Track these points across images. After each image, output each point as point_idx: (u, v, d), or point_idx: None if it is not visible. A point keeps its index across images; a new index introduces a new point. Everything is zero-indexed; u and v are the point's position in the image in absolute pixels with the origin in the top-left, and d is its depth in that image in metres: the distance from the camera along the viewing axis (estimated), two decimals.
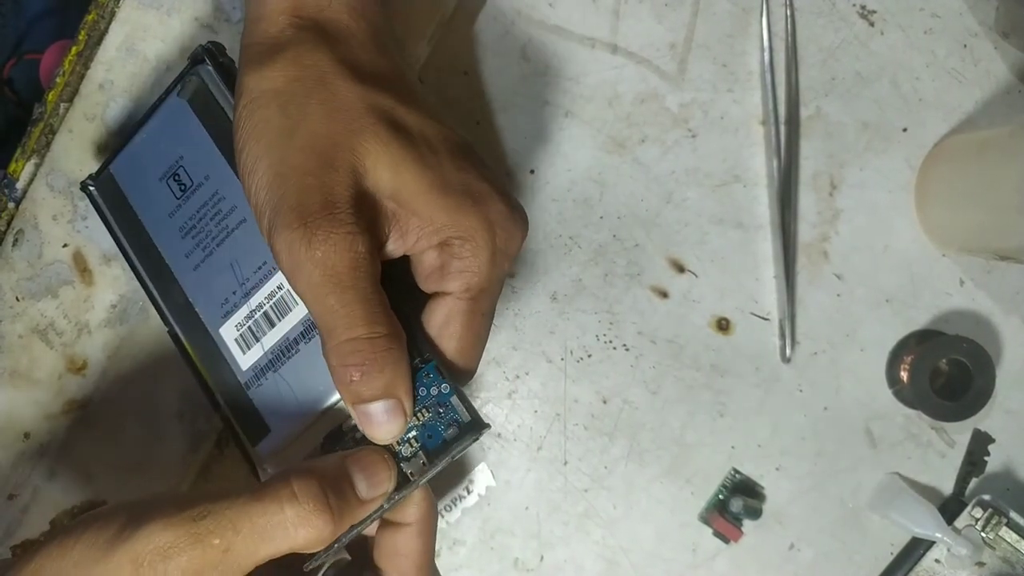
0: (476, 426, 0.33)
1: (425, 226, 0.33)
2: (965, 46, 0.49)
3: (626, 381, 0.48)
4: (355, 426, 0.34)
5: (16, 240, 0.45)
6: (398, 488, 0.33)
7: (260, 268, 0.36)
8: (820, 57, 0.48)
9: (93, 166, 0.45)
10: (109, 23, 0.45)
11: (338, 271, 0.31)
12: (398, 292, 0.34)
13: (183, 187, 0.38)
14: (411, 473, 0.33)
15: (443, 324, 0.34)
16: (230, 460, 0.47)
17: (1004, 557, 0.46)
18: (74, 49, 0.45)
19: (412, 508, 0.35)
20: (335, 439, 0.35)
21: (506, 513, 0.48)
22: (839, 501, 0.48)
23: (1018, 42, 0.48)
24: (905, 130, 0.48)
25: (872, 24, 0.48)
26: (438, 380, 0.33)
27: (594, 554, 0.47)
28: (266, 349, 0.36)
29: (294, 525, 0.30)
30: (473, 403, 0.34)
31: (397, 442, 0.33)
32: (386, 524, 0.36)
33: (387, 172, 0.32)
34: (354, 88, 0.33)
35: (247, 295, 0.36)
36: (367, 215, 0.32)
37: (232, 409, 0.37)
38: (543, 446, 0.48)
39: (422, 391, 0.33)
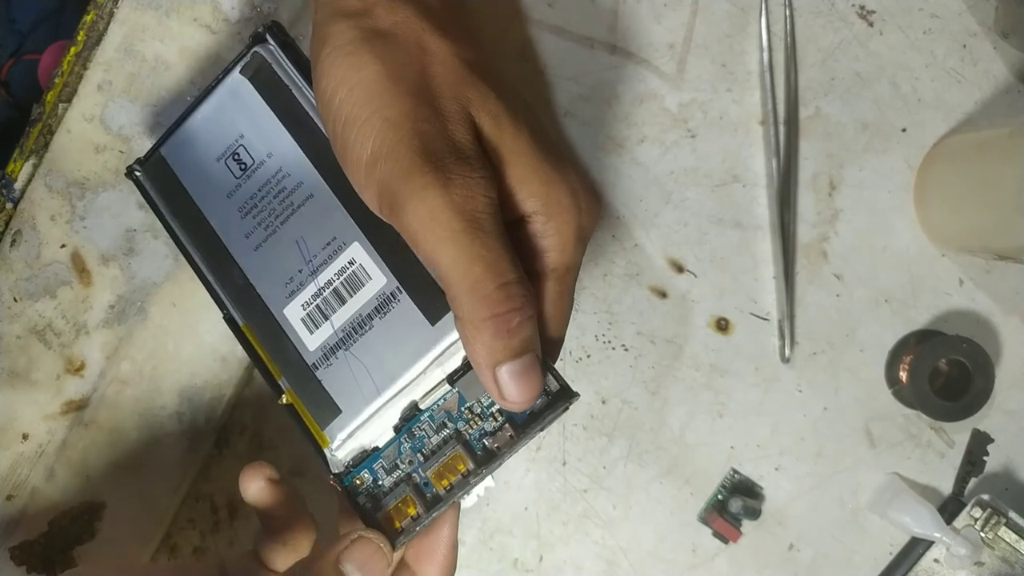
0: (566, 395, 0.32)
1: (518, 189, 0.32)
2: (964, 46, 0.49)
3: (625, 381, 0.48)
4: (431, 409, 0.33)
5: (14, 240, 0.45)
6: (480, 464, 0.32)
7: (329, 244, 0.35)
8: (819, 57, 0.48)
9: (92, 166, 0.45)
10: (108, 24, 0.45)
11: (479, 216, 0.29)
12: None
13: (243, 166, 0.37)
14: (497, 447, 0.32)
15: None
16: (229, 460, 0.47)
17: (1003, 557, 0.46)
18: (72, 50, 0.45)
19: (434, 570, 0.34)
20: (409, 420, 0.34)
21: (505, 513, 0.48)
22: (838, 501, 0.48)
23: (1017, 42, 0.48)
24: (904, 130, 0.48)
25: (871, 24, 0.48)
26: None
27: (593, 554, 0.47)
28: (336, 327, 0.35)
29: None
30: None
31: (479, 416, 0.32)
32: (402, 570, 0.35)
33: (488, 124, 0.31)
34: (444, 42, 0.32)
35: (314, 272, 0.35)
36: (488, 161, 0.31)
37: (298, 391, 0.36)
38: (542, 446, 0.48)
39: None
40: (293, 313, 0.36)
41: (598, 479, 0.48)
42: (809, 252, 0.48)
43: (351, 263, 0.35)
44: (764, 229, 0.48)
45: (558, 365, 0.33)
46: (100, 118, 0.45)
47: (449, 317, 0.33)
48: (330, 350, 0.35)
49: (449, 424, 0.33)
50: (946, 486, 0.48)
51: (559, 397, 0.32)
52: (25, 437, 0.45)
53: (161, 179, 0.39)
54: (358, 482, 0.34)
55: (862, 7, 0.48)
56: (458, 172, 0.29)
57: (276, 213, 0.36)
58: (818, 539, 0.48)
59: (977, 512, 0.46)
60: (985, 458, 0.48)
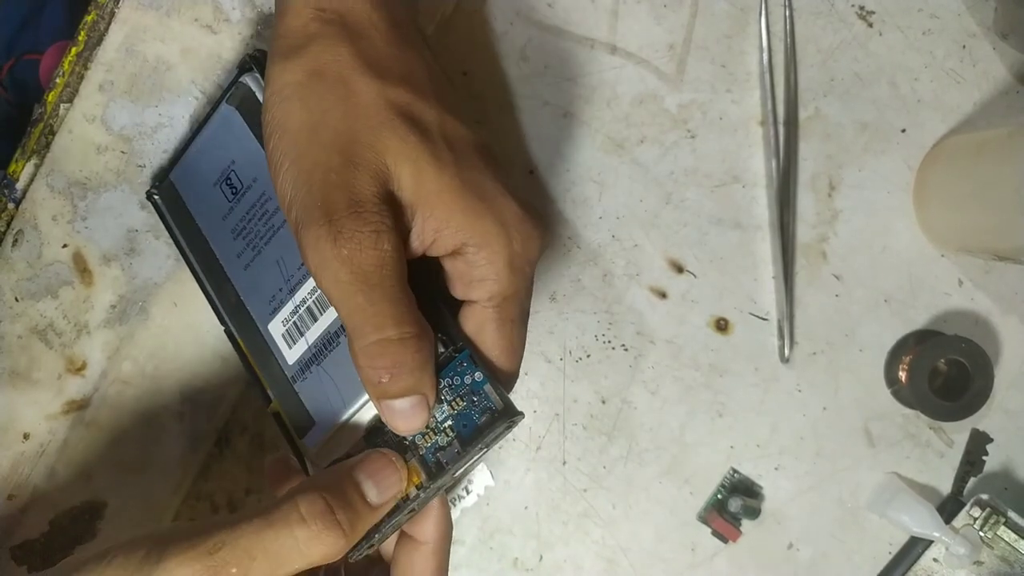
0: (508, 412, 0.33)
1: (442, 228, 0.33)
2: (964, 47, 0.49)
3: (625, 381, 0.48)
4: None
5: (16, 240, 0.45)
6: (432, 476, 0.33)
7: (303, 264, 0.36)
8: (819, 58, 0.48)
9: (93, 166, 0.45)
10: (109, 24, 0.45)
11: (365, 269, 0.31)
12: (429, 283, 0.34)
13: (234, 190, 0.39)
14: (445, 462, 0.33)
15: (475, 332, 0.34)
16: (230, 460, 0.47)
17: (1002, 556, 0.46)
18: (73, 50, 0.45)
19: (430, 527, 0.35)
20: (377, 432, 0.35)
21: (505, 513, 0.48)
22: (838, 501, 0.48)
23: (1016, 43, 0.48)
24: (904, 131, 0.49)
25: (871, 25, 0.49)
26: (472, 369, 0.33)
27: (593, 554, 0.48)
28: (310, 343, 0.37)
29: (306, 545, 0.30)
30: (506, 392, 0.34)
31: (433, 431, 0.34)
32: (404, 541, 0.36)
33: (406, 169, 0.32)
34: (373, 84, 0.33)
35: (292, 291, 0.37)
36: (391, 212, 0.32)
37: (282, 403, 0.38)
38: (542, 446, 0.48)
39: (456, 380, 0.34)
40: (276, 329, 0.38)
41: (598, 479, 0.48)
42: (808, 252, 0.48)
43: None
44: (764, 229, 0.48)
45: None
46: (101, 118, 0.45)
47: None
48: (305, 364, 0.37)
49: (407, 437, 0.34)
50: (945, 486, 0.48)
51: (500, 415, 0.33)
52: (26, 437, 0.45)
53: (172, 202, 0.43)
54: None
55: (862, 8, 0.48)
56: (349, 226, 0.31)
57: (261, 234, 0.38)
58: (817, 538, 0.48)
59: (976, 511, 0.46)
60: (984, 458, 0.48)
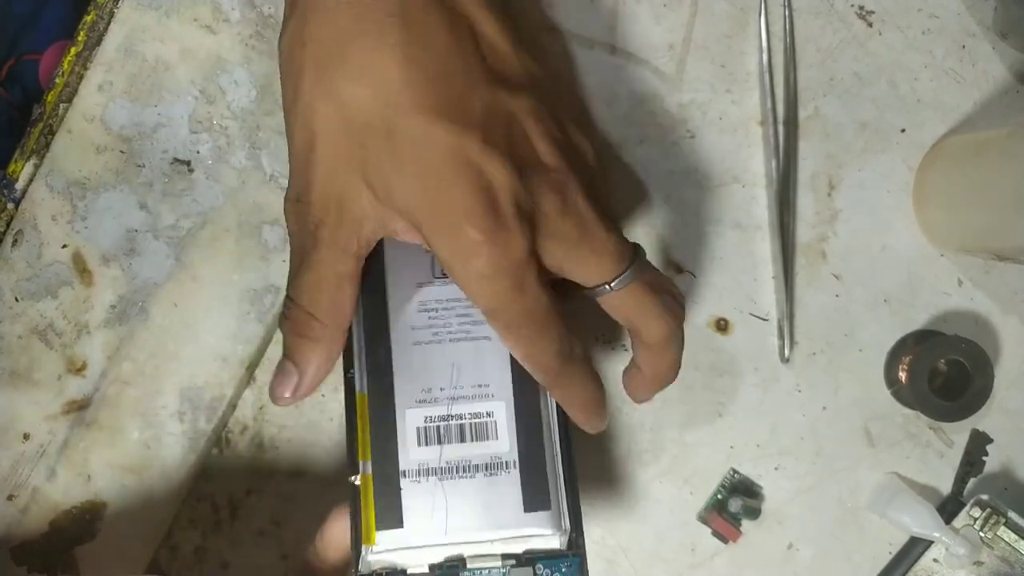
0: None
1: None
2: (963, 47, 0.49)
3: None
4: (473, 572, 0.34)
5: (15, 240, 0.45)
6: None
7: (479, 386, 0.36)
8: (818, 57, 0.48)
9: (93, 166, 0.45)
10: (108, 24, 0.45)
11: None
12: None
13: (446, 273, 0.36)
14: None
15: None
16: (230, 460, 0.47)
17: (1002, 556, 0.46)
18: (73, 50, 0.45)
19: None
20: (448, 569, 0.35)
21: None
22: (838, 501, 0.48)
23: (1016, 43, 0.48)
24: (903, 131, 0.49)
25: (870, 24, 0.49)
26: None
27: (593, 554, 0.47)
28: (442, 457, 0.35)
29: None
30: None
31: None
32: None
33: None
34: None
35: (453, 400, 0.36)
36: None
37: (376, 482, 0.35)
38: None
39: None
40: (413, 418, 0.36)
41: (597, 478, 0.48)
42: (808, 252, 0.48)
43: (488, 414, 0.36)
44: (763, 229, 0.48)
45: None
46: (101, 118, 0.45)
47: (543, 514, 0.35)
48: (426, 471, 0.35)
49: None
50: (945, 486, 0.48)
51: None
52: (26, 437, 0.45)
53: (373, 282, 0.38)
54: None
55: (861, 7, 0.48)
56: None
57: (451, 329, 0.36)
58: (817, 538, 0.48)
59: (976, 512, 0.46)
60: (984, 458, 0.48)
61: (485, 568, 0.34)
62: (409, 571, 0.34)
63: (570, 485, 0.36)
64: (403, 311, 0.37)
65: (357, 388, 0.36)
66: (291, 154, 0.35)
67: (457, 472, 0.35)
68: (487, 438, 0.35)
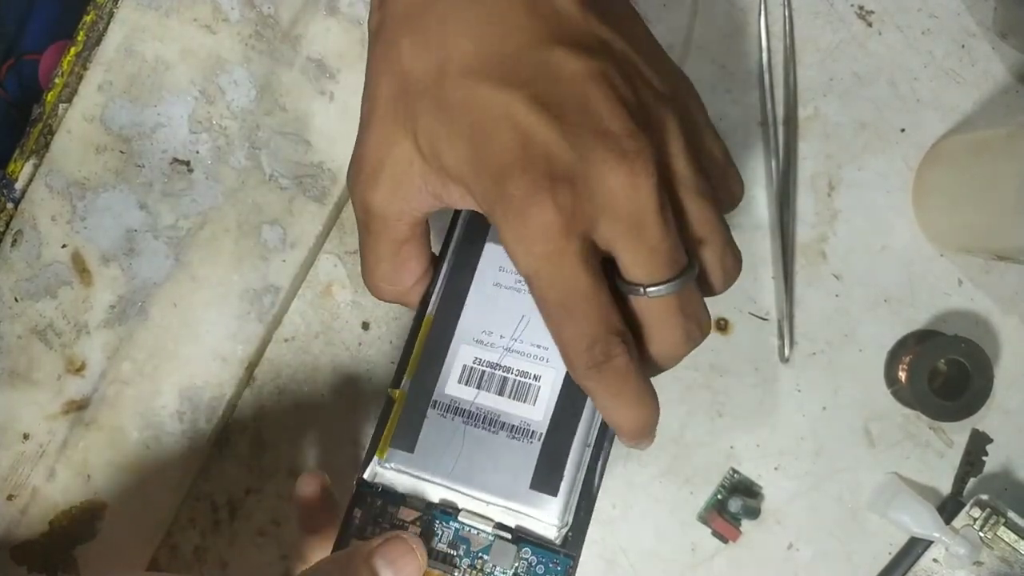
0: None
1: None
2: (963, 46, 0.49)
3: None
4: (462, 525, 0.34)
5: (15, 240, 0.45)
6: None
7: (539, 347, 0.35)
8: (818, 57, 0.48)
9: (93, 166, 0.45)
10: (108, 24, 0.45)
11: None
12: None
13: None
14: None
15: None
16: (230, 460, 0.47)
17: (1002, 556, 0.46)
18: (72, 50, 0.45)
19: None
20: (442, 513, 0.34)
21: None
22: (838, 501, 0.48)
23: (1016, 43, 0.48)
24: (903, 130, 0.49)
25: (870, 24, 0.49)
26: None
27: (593, 554, 0.47)
28: (475, 401, 0.35)
29: None
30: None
31: (480, 572, 0.34)
32: None
33: None
34: None
35: (508, 350, 0.35)
36: None
37: (407, 401, 0.35)
38: None
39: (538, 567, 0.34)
40: (464, 354, 0.35)
41: None
42: (808, 252, 0.48)
43: (536, 378, 0.35)
44: (763, 229, 0.48)
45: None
46: (100, 118, 0.45)
47: (546, 498, 0.34)
48: (455, 409, 0.35)
49: (460, 548, 0.34)
50: (945, 486, 0.48)
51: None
52: (26, 437, 0.45)
53: (477, 223, 0.38)
54: (368, 501, 0.34)
55: (861, 7, 0.48)
56: None
57: (524, 293, 0.36)
58: (817, 538, 0.48)
59: (976, 512, 0.46)
60: (984, 458, 0.48)
61: (475, 528, 0.34)
62: (408, 499, 0.34)
63: (587, 488, 0.35)
64: (496, 251, 0.37)
65: (428, 309, 0.36)
66: (359, 124, 0.35)
67: (483, 422, 0.35)
68: (524, 400, 0.35)
